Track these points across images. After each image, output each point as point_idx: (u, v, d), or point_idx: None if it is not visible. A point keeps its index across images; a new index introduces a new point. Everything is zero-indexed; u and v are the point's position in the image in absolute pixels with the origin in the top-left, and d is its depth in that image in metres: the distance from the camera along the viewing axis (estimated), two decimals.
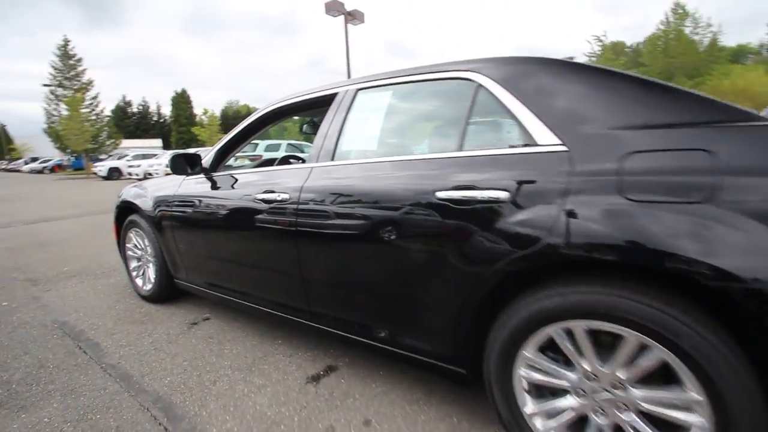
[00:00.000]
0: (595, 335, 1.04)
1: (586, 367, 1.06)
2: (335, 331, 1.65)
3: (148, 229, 2.54)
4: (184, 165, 2.20)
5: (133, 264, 2.84)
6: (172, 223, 2.33)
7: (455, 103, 1.42)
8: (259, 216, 1.78)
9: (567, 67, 1.23)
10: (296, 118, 2.60)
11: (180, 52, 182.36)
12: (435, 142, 1.59)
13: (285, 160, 2.79)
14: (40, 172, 31.57)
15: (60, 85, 32.81)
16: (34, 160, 36.09)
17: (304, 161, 3.22)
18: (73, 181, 20.35)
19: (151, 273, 2.64)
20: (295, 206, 1.63)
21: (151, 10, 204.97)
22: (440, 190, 1.24)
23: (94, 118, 31.49)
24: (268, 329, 2.25)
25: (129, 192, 2.76)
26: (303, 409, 1.55)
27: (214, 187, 2.12)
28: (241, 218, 1.94)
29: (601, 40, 30.63)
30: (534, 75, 1.23)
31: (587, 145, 1.06)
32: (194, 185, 2.25)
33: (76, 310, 2.62)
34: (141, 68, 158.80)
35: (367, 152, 1.69)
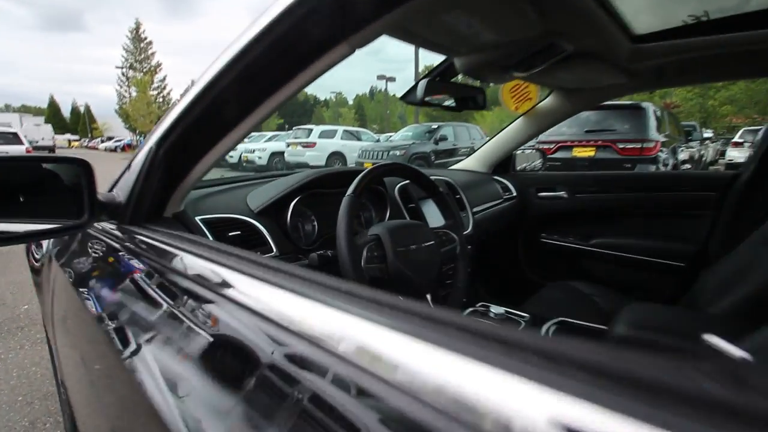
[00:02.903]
0: None
1: None
2: None
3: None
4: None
5: None
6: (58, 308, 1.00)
7: None
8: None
9: None
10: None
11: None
12: None
13: (372, 192, 1.12)
14: (113, 150, 33.47)
15: (131, 68, 34.35)
16: (109, 139, 38.56)
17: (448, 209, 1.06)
18: None
19: None
20: None
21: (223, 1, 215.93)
22: None
23: (161, 100, 32.59)
24: None
25: None
26: None
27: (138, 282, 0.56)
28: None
29: None
30: None
31: None
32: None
33: None
34: (210, 55, 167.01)
35: None
